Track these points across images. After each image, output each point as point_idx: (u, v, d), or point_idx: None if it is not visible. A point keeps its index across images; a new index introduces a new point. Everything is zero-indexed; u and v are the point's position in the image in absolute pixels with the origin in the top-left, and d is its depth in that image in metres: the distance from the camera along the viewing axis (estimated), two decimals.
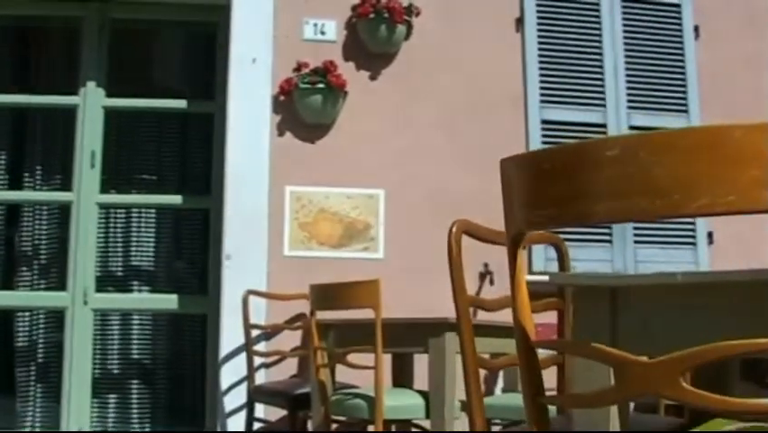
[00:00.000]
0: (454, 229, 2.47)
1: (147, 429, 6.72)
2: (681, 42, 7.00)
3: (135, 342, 6.86)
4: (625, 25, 6.88)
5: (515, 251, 1.61)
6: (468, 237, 2.58)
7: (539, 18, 6.71)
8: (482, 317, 3.85)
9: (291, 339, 6.07)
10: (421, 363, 4.47)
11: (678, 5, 7.04)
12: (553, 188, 1.50)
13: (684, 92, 6.95)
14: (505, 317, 2.63)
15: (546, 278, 2.40)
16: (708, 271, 2.02)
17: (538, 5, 6.72)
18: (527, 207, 1.56)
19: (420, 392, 4.28)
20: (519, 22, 6.70)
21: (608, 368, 1.87)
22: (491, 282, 6.32)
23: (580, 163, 1.47)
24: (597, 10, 6.83)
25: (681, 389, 1.38)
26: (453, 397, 4.01)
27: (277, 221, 6.22)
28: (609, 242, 6.63)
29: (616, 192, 1.42)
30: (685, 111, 6.92)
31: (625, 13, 6.90)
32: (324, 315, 4.34)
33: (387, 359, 4.28)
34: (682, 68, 6.97)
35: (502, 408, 4.33)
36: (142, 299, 6.87)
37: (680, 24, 7.03)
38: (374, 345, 3.93)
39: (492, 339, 4.24)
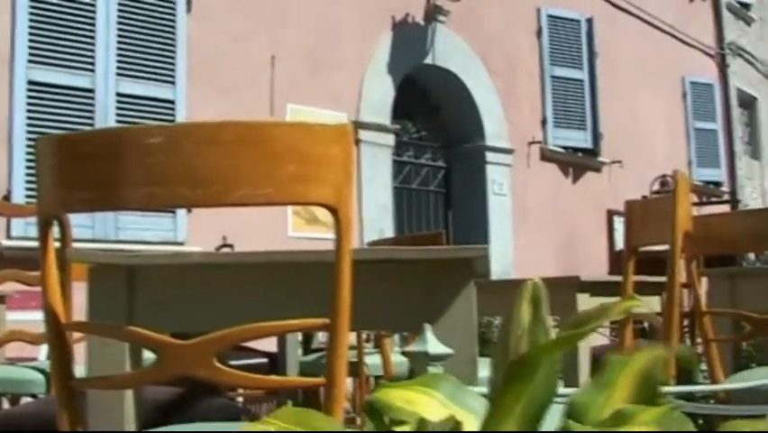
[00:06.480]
0: None
1: None
2: (173, 14, 7.11)
3: None
4: None
5: (46, 232, 1.56)
6: None
7: None
8: None
9: None
10: None
11: None
12: (92, 172, 1.48)
13: (173, 63, 7.08)
14: None
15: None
16: (227, 253, 2.09)
17: None
18: (63, 188, 1.52)
19: None
20: None
21: (122, 348, 1.89)
22: None
23: (121, 148, 1.47)
24: None
25: (215, 369, 1.46)
26: None
27: None
28: None
29: (158, 179, 1.45)
30: (172, 82, 7.06)
31: None
32: None
33: None
34: (173, 39, 7.09)
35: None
36: None
37: None
38: None
39: None
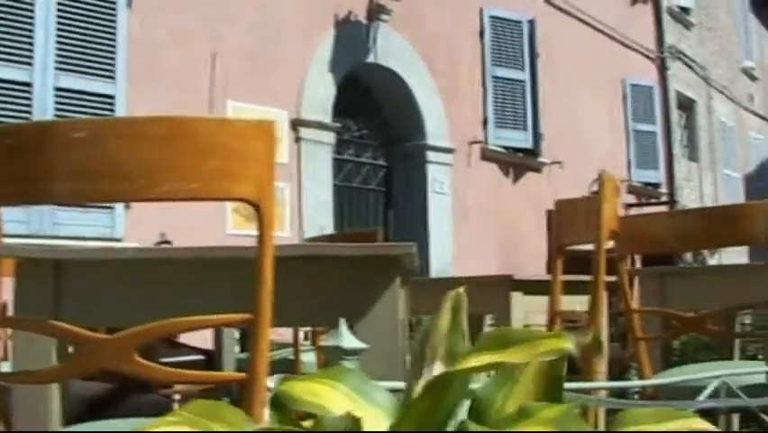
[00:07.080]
0: None
1: None
2: (113, 9, 7.05)
3: None
4: None
5: None
6: None
7: None
8: None
9: None
10: None
11: None
12: (17, 166, 1.48)
13: (113, 58, 7.01)
14: None
15: None
16: (156, 248, 2.08)
17: None
18: None
19: None
20: None
21: (49, 343, 1.88)
22: None
23: (45, 142, 1.47)
24: None
25: (136, 363, 1.46)
26: None
27: None
28: None
29: (82, 174, 1.45)
30: (112, 77, 6.99)
31: None
32: None
33: None
34: (113, 34, 7.02)
35: None
36: None
37: None
38: None
39: None
